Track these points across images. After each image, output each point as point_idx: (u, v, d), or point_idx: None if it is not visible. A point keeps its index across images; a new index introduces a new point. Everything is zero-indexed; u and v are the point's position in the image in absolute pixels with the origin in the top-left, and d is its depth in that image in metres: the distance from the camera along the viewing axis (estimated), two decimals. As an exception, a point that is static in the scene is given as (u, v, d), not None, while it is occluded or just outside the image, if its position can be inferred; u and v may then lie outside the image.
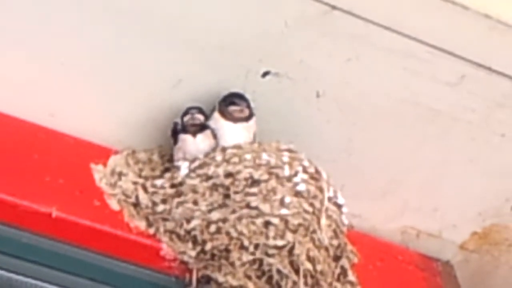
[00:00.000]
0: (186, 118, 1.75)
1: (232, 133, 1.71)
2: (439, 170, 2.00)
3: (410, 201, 1.94)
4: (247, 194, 1.68)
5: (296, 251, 1.66)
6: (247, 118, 1.72)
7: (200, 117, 1.74)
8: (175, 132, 1.80)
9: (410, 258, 1.94)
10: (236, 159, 1.69)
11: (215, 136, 1.73)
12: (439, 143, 2.07)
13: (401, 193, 1.95)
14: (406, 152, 2.05)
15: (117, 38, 1.83)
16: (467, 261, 1.92)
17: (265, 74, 1.72)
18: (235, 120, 1.71)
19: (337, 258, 1.71)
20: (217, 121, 1.73)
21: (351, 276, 1.72)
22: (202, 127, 1.74)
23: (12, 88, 1.95)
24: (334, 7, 1.76)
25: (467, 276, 1.91)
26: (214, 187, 1.69)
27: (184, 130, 1.76)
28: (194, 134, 1.74)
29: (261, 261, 1.67)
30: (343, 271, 1.72)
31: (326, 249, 1.69)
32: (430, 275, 1.91)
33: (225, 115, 1.73)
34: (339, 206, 1.73)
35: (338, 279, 1.71)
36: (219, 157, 1.70)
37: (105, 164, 1.76)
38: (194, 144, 1.73)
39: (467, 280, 1.91)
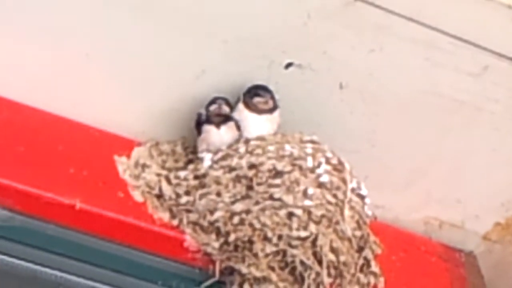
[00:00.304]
0: (212, 108, 1.75)
1: (256, 124, 1.71)
2: (462, 161, 1.98)
3: (433, 191, 1.93)
4: (270, 185, 1.68)
5: (319, 242, 1.66)
6: (271, 110, 1.72)
7: (226, 109, 1.74)
8: (199, 123, 1.79)
9: (433, 249, 1.93)
10: (259, 151, 1.69)
11: (238, 127, 1.72)
12: (462, 133, 2.05)
13: (424, 184, 1.95)
14: (428, 143, 2.05)
15: (141, 30, 1.82)
16: (490, 251, 1.91)
17: (288, 65, 1.72)
18: (260, 111, 1.71)
19: (360, 249, 1.71)
20: (242, 112, 1.73)
21: (374, 267, 1.72)
22: (226, 119, 1.73)
23: (37, 80, 1.94)
24: (355, -3, 1.71)
25: (490, 266, 1.90)
26: (237, 179, 1.69)
27: (208, 121, 1.76)
28: (218, 125, 1.74)
29: (284, 252, 1.67)
30: (366, 262, 1.72)
31: (349, 240, 1.69)
32: (453, 266, 1.90)
33: (249, 106, 1.73)
34: (362, 197, 1.73)
35: (361, 270, 1.71)
36: (242, 148, 1.70)
37: (128, 156, 1.75)
38: (218, 135, 1.72)
39: (490, 271, 1.90)
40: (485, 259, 1.92)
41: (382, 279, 1.75)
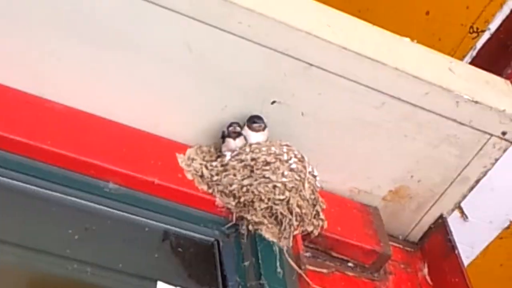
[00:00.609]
0: (230, 128, 2.03)
1: (255, 137, 2.02)
2: (370, 158, 2.18)
3: (354, 173, 2.21)
4: (263, 170, 1.99)
5: (291, 201, 1.98)
6: (264, 129, 2.02)
7: (238, 129, 2.02)
8: (223, 137, 2.06)
9: (353, 205, 2.22)
10: (257, 150, 2.01)
11: (245, 139, 2.03)
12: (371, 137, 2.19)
13: (347, 169, 2.21)
14: (343, 145, 2.19)
15: (191, 83, 2.01)
16: (386, 207, 2.23)
17: (273, 102, 2.03)
18: (257, 131, 2.02)
19: (313, 206, 2.03)
20: (247, 131, 2.02)
21: (322, 216, 2.05)
22: (239, 134, 2.03)
23: (126, 99, 2.04)
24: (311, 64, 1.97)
25: (386, 215, 2.23)
26: (245, 166, 2.01)
27: (229, 135, 2.04)
28: (234, 138, 2.04)
29: (271, 208, 1.98)
30: (317, 213, 2.05)
31: (308, 200, 2.01)
32: (365, 215, 2.21)
33: (251, 128, 2.02)
34: (314, 176, 2.05)
35: (314, 217, 2.04)
36: (247, 149, 2.01)
37: (184, 154, 2.04)
38: (234, 144, 2.03)
39: (386, 217, 2.22)
40: (383, 211, 2.23)
41: (326, 222, 2.06)
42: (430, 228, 2.36)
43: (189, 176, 2.05)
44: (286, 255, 1.97)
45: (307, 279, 1.93)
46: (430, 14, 2.53)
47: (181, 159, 2.08)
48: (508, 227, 2.92)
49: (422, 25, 2.55)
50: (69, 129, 1.97)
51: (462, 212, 2.74)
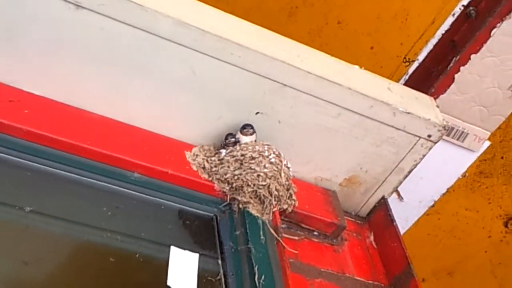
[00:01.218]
0: (228, 139, 2.02)
1: (245, 140, 2.00)
2: (332, 154, 2.14)
3: (318, 165, 2.16)
4: (250, 163, 1.96)
5: (271, 187, 1.95)
6: (252, 134, 1.99)
7: (233, 139, 2.01)
8: (222, 146, 2.03)
9: (317, 189, 2.19)
10: (245, 148, 1.98)
11: (239, 140, 2.00)
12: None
13: (312, 163, 2.16)
14: (318, 147, 2.15)
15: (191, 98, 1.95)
16: (342, 190, 2.22)
17: (257, 113, 2.01)
18: (246, 135, 1.99)
19: (288, 189, 2.01)
20: (240, 135, 2.00)
21: (294, 197, 2.03)
22: (234, 143, 2.01)
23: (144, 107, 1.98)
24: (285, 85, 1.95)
25: (342, 196, 2.21)
26: (236, 160, 1.97)
27: (227, 145, 2.02)
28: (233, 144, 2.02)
29: (256, 191, 1.95)
30: (290, 195, 2.02)
31: (283, 186, 1.99)
32: (326, 196, 2.19)
33: (242, 132, 2.00)
34: (288, 167, 2.02)
35: (288, 198, 2.02)
36: (238, 148, 1.99)
37: (190, 151, 2.01)
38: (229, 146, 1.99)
39: (342, 198, 2.21)
40: (340, 193, 2.21)
41: (297, 202, 2.03)
42: (375, 206, 2.32)
43: (194, 168, 2.01)
44: (268, 226, 1.94)
45: (283, 244, 1.90)
46: (374, 48, 2.54)
47: (188, 155, 2.04)
48: (433, 206, 2.92)
49: (368, 56, 2.55)
50: (103, 132, 1.93)
51: (399, 194, 2.76)
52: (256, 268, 1.77)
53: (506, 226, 3.02)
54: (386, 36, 2.55)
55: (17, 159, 1.77)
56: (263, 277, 1.76)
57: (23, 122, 1.79)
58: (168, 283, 1.67)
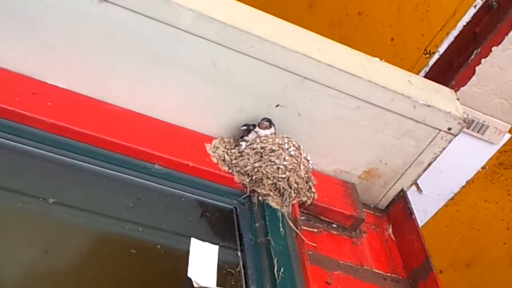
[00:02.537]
0: (243, 127, 2.04)
1: (264, 133, 2.00)
2: (352, 146, 2.14)
3: (336, 158, 2.17)
4: (270, 155, 1.97)
5: (290, 179, 1.96)
6: (269, 127, 2.00)
7: (244, 127, 2.03)
8: (242, 136, 2.04)
9: (337, 182, 2.19)
10: (265, 141, 1.99)
11: (258, 134, 2.00)
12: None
13: (331, 155, 2.17)
14: (331, 140, 2.15)
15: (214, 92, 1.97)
16: (361, 183, 2.21)
17: (277, 105, 2.01)
18: (265, 129, 1.99)
19: (307, 182, 2.01)
20: (258, 129, 2.00)
21: (313, 189, 2.04)
22: (249, 131, 2.02)
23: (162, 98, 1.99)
24: (305, 78, 1.95)
25: (361, 189, 2.21)
26: (256, 153, 1.99)
27: (243, 134, 2.04)
28: (247, 135, 2.04)
29: (275, 184, 1.96)
30: (310, 187, 2.03)
31: (303, 178, 1.99)
32: (345, 189, 2.18)
33: (260, 126, 2.00)
34: (307, 160, 2.03)
35: (307, 191, 2.03)
36: (258, 140, 1.99)
37: (210, 143, 2.02)
38: (248, 138, 2.02)
39: (361, 190, 2.20)
40: (359, 186, 2.20)
41: (316, 194, 2.04)
42: (393, 199, 2.32)
43: (214, 160, 2.02)
44: (287, 219, 1.96)
45: (302, 236, 1.91)
46: (394, 40, 2.52)
47: (208, 147, 2.05)
48: (452, 198, 2.92)
49: (388, 48, 2.53)
50: (124, 125, 1.95)
51: (418, 187, 2.76)
52: (275, 260, 1.79)
53: (525, 218, 2.89)
54: (407, 27, 2.55)
55: (40, 151, 1.80)
56: (282, 269, 1.78)
57: (46, 114, 1.82)
58: (189, 275, 1.68)
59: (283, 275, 1.76)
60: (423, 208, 2.85)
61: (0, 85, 1.80)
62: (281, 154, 2.00)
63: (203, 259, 1.77)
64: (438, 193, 2.84)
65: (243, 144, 2.04)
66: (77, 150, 1.83)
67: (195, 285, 1.62)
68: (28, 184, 1.74)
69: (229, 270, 1.80)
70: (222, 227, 1.95)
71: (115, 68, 1.92)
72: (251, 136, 2.04)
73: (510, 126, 2.59)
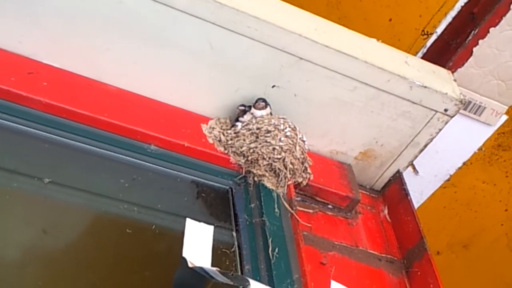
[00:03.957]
0: (240, 107, 2.05)
1: (259, 113, 2.01)
2: (347, 128, 2.15)
3: (333, 139, 2.18)
4: (265, 136, 1.99)
5: (286, 160, 1.98)
6: (265, 107, 2.01)
7: (241, 107, 2.04)
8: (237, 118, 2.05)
9: (332, 163, 2.21)
10: (261, 122, 2.00)
11: (253, 115, 2.01)
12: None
13: (327, 136, 2.18)
14: (330, 119, 2.15)
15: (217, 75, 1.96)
16: (357, 164, 2.23)
17: (273, 86, 2.01)
18: (261, 109, 2.00)
19: (303, 163, 2.03)
20: (254, 110, 2.01)
21: (309, 170, 2.05)
22: (245, 112, 2.03)
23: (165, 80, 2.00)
24: (301, 58, 1.95)
25: (357, 170, 2.23)
26: (252, 133, 2.00)
27: (239, 115, 2.04)
28: (242, 115, 2.05)
29: (271, 164, 1.98)
30: (305, 168, 2.04)
31: (298, 159, 2.01)
32: (341, 170, 2.20)
33: (255, 107, 2.01)
34: (303, 141, 2.04)
35: (303, 171, 2.05)
36: (254, 121, 2.00)
37: (206, 124, 2.03)
38: (243, 119, 2.03)
39: (357, 171, 2.22)
40: (355, 167, 2.22)
41: (312, 175, 2.06)
42: (389, 180, 2.34)
43: (210, 141, 2.03)
44: (282, 199, 1.97)
45: (297, 217, 1.92)
46: (392, 20, 2.51)
47: (204, 128, 2.06)
48: (448, 180, 2.90)
49: (386, 29, 2.52)
50: (120, 105, 1.95)
51: (414, 168, 2.75)
52: (270, 241, 1.81)
53: (523, 199, 2.86)
54: (405, 8, 2.53)
55: (36, 131, 1.81)
56: (276, 249, 1.80)
57: (42, 94, 1.82)
58: (183, 255, 1.69)
59: (277, 255, 1.78)
60: (419, 190, 2.85)
61: (-5, 65, 1.82)
62: (276, 135, 2.00)
63: (198, 239, 1.77)
64: (434, 175, 2.84)
65: (239, 124, 2.05)
66: (72, 130, 1.84)
67: (190, 265, 1.61)
68: (24, 164, 1.76)
69: (224, 250, 1.81)
70: (217, 207, 1.96)
71: (110, 48, 1.92)
72: (247, 117, 2.05)
73: (507, 107, 2.58)
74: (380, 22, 2.57)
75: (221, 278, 1.59)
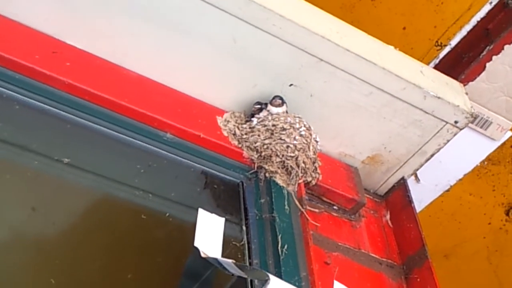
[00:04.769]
0: (256, 106, 2.06)
1: (275, 111, 2.02)
2: (356, 131, 2.17)
3: (343, 142, 2.20)
4: (280, 133, 2.00)
5: (299, 159, 2.00)
6: (281, 105, 2.02)
7: (257, 106, 2.05)
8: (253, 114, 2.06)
9: (341, 165, 2.22)
10: (277, 119, 2.01)
11: (269, 111, 2.02)
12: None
13: (337, 139, 2.20)
14: (343, 124, 2.17)
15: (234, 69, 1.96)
16: (364, 167, 2.24)
17: (291, 85, 2.02)
18: (275, 106, 2.01)
19: (313, 163, 2.05)
20: (270, 106, 2.02)
21: (318, 170, 2.07)
22: (261, 109, 2.05)
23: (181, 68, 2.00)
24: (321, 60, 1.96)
25: (363, 173, 2.24)
26: (267, 130, 2.01)
27: (254, 112, 2.05)
28: (258, 113, 2.06)
29: (284, 162, 1.99)
30: (315, 168, 2.06)
31: (310, 159, 2.03)
32: (348, 172, 2.21)
33: (272, 104, 2.02)
34: (316, 141, 2.06)
35: (313, 171, 2.06)
36: (270, 118, 2.01)
37: (222, 116, 2.04)
38: (259, 115, 2.04)
39: (363, 175, 2.23)
40: (362, 171, 2.23)
41: (321, 175, 2.07)
42: (393, 186, 2.36)
43: (225, 133, 2.05)
44: (293, 197, 1.99)
45: (307, 215, 1.95)
46: (406, 29, 2.54)
47: (219, 120, 2.08)
48: (448, 190, 2.98)
49: (399, 36, 2.55)
50: (140, 91, 1.96)
51: (416, 176, 2.81)
52: (279, 237, 1.83)
53: (507, 214, 3.04)
54: (420, 17, 2.57)
55: (57, 110, 1.83)
56: (286, 246, 1.82)
57: (65, 74, 1.83)
58: (195, 244, 1.71)
59: (286, 252, 1.79)
60: (419, 198, 2.89)
61: (21, 41, 1.82)
62: (291, 133, 2.02)
63: (209, 230, 1.79)
64: (435, 184, 2.90)
65: (255, 120, 2.06)
66: (92, 112, 1.85)
67: (202, 255, 1.63)
68: (44, 143, 1.77)
69: (233, 243, 1.84)
70: (227, 200, 1.98)
71: (135, 33, 1.93)
72: (263, 113, 2.06)
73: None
74: (394, 29, 2.61)
75: (235, 271, 1.60)
